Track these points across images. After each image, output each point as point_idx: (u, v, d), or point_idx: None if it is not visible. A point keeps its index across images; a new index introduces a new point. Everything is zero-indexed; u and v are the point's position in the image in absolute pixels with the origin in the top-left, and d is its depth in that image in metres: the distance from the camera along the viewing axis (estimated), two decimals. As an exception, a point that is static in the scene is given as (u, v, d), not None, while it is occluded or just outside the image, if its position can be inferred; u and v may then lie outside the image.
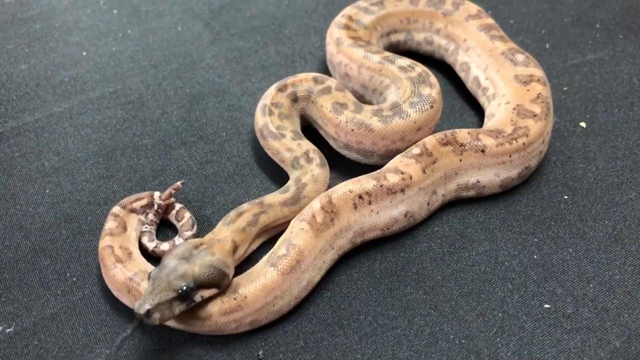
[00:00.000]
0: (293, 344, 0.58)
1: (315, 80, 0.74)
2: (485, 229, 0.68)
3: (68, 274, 0.64)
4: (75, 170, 0.74)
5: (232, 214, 0.62)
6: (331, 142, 0.74)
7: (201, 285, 0.55)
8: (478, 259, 0.65)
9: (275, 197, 0.65)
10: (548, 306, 0.61)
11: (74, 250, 0.66)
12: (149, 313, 0.52)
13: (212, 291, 0.56)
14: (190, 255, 0.56)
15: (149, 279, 0.55)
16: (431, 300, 0.62)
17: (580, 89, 0.84)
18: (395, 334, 0.59)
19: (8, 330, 0.60)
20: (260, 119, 0.72)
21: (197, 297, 0.55)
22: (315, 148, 0.70)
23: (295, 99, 0.74)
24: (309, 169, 0.67)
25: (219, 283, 0.56)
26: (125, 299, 0.60)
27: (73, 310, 0.61)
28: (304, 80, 0.74)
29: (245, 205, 0.64)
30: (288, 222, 0.64)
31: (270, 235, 0.66)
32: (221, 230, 0.61)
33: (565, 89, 0.84)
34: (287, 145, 0.70)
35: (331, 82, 0.74)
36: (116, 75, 0.87)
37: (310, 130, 0.76)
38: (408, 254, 0.66)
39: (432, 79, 0.74)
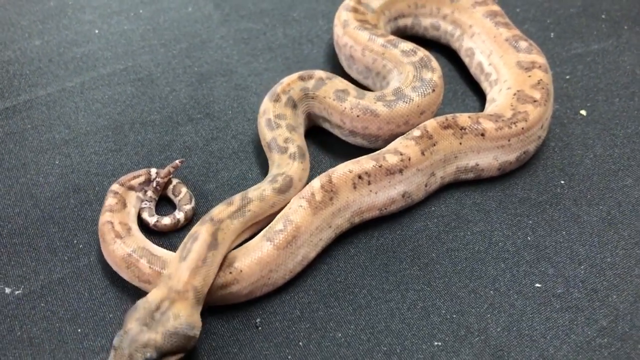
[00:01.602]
0: (289, 313, 0.60)
1: (302, 78, 0.74)
2: (481, 210, 0.69)
3: (75, 241, 0.67)
4: (84, 143, 0.76)
5: (188, 243, 0.57)
6: (336, 132, 0.75)
7: (166, 353, 0.52)
8: (472, 238, 0.67)
9: (223, 210, 0.60)
10: (539, 285, 0.63)
11: (81, 219, 0.69)
12: None
13: (178, 356, 0.54)
14: (152, 320, 0.53)
15: (111, 346, 0.52)
16: (425, 276, 0.63)
17: (582, 78, 0.85)
18: (388, 307, 0.61)
19: (17, 292, 0.62)
20: (268, 134, 0.70)
21: None
22: (297, 173, 0.66)
23: (294, 105, 0.73)
24: (264, 187, 0.64)
25: (185, 347, 0.53)
26: (124, 274, 0.62)
27: (79, 275, 0.64)
28: (291, 83, 0.73)
29: (196, 227, 0.59)
30: (245, 232, 0.63)
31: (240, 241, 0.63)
32: (179, 272, 0.55)
33: (567, 77, 0.85)
34: (282, 160, 0.68)
35: (317, 73, 0.74)
36: (127, 53, 0.89)
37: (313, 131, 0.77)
38: (404, 231, 0.67)
39: (434, 63, 0.75)
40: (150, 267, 0.59)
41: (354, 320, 0.60)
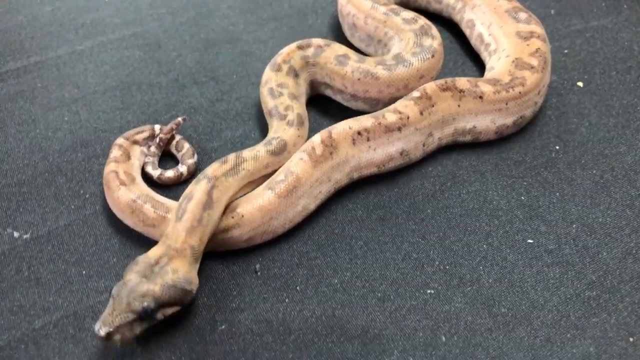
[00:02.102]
0: (288, 261, 0.62)
1: (301, 47, 0.75)
2: (477, 171, 0.71)
3: (81, 191, 0.69)
4: (93, 102, 0.79)
5: (183, 203, 0.58)
6: (338, 98, 0.77)
7: (163, 304, 0.54)
8: (468, 197, 0.68)
9: (218, 168, 0.61)
10: (531, 241, 0.64)
11: (88, 171, 0.71)
12: (109, 335, 0.51)
13: (174, 308, 0.55)
14: (151, 272, 0.55)
15: (110, 295, 0.54)
16: (420, 230, 0.65)
17: (580, 52, 0.87)
18: (384, 257, 0.63)
19: (25, 237, 0.64)
20: (270, 101, 0.72)
21: (159, 316, 0.54)
22: (292, 139, 0.67)
23: (296, 74, 0.75)
24: (258, 148, 0.65)
25: (182, 300, 0.55)
26: (128, 220, 0.64)
27: (85, 222, 0.66)
28: (291, 52, 0.75)
29: (191, 187, 0.60)
30: (239, 192, 0.64)
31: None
32: (177, 232, 0.57)
33: (566, 51, 0.87)
34: (280, 126, 0.69)
35: (315, 41, 0.76)
36: (135, 20, 0.91)
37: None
38: (401, 189, 0.69)
39: (434, 31, 0.77)
40: (154, 211, 0.61)
41: (350, 268, 0.62)
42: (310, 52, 0.75)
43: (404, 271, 0.62)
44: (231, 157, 0.63)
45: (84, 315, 0.59)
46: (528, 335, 0.57)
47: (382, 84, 0.73)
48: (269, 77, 0.74)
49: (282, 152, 0.66)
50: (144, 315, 0.53)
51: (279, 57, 0.75)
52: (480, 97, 0.71)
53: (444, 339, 0.57)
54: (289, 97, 0.72)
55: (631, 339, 0.57)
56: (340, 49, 0.75)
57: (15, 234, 0.64)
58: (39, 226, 0.65)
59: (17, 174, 0.70)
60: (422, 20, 0.78)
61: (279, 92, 0.72)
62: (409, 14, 0.79)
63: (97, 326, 0.52)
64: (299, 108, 0.71)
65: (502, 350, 0.56)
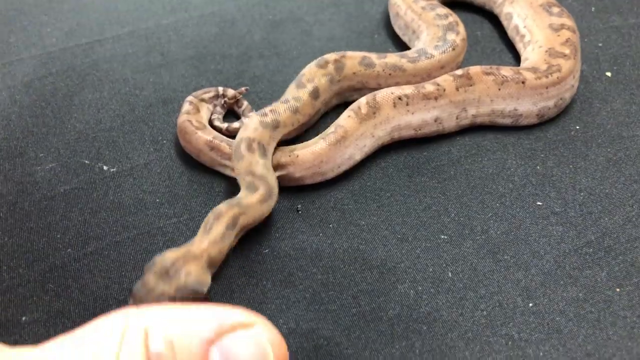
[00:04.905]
0: (325, 204, 0.74)
1: (320, 65, 0.81)
2: (500, 142, 0.80)
3: (160, 138, 0.82)
4: (174, 67, 0.92)
5: (211, 218, 0.64)
6: None
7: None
8: (488, 163, 0.77)
9: (251, 197, 0.67)
10: (540, 203, 0.73)
11: (167, 123, 0.84)
12: None
13: None
14: (167, 274, 0.58)
15: (129, 294, 0.58)
16: (442, 188, 0.75)
17: (614, 46, 0.94)
18: (406, 207, 0.73)
19: (111, 170, 0.78)
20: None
21: None
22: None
23: (317, 95, 0.79)
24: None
25: (193, 300, 0.58)
26: (205, 157, 0.76)
27: (161, 162, 0.79)
28: (314, 74, 0.80)
29: (222, 207, 0.65)
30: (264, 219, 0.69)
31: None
32: (201, 241, 0.62)
33: (600, 45, 0.94)
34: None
35: (328, 57, 0.81)
36: (214, 0, 1.04)
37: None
38: (430, 153, 0.79)
39: (460, 27, 0.87)
40: (230, 148, 0.73)
41: (377, 214, 0.72)
42: (331, 69, 0.80)
43: (422, 219, 0.72)
44: (262, 187, 0.68)
45: (155, 234, 0.72)
46: (525, 279, 0.66)
47: (409, 75, 0.82)
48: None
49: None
50: None
51: (302, 77, 0.80)
52: (523, 83, 0.79)
53: (450, 275, 0.67)
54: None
55: (617, 290, 0.65)
56: (356, 54, 0.82)
57: (105, 168, 0.78)
58: (123, 162, 0.79)
59: (109, 121, 0.85)
60: (452, 17, 0.88)
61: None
62: (443, 11, 0.89)
63: None
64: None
65: (501, 289, 0.65)
